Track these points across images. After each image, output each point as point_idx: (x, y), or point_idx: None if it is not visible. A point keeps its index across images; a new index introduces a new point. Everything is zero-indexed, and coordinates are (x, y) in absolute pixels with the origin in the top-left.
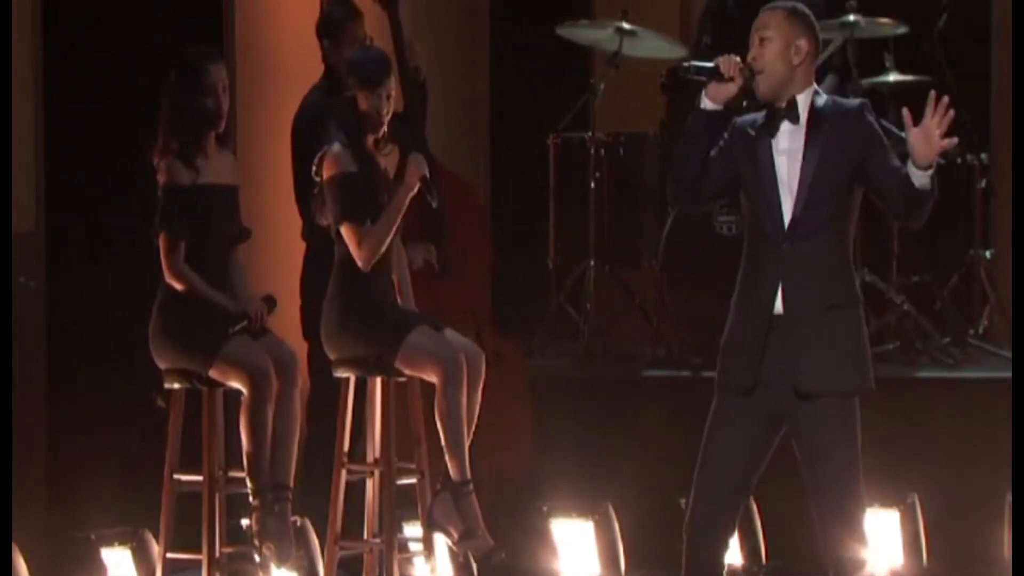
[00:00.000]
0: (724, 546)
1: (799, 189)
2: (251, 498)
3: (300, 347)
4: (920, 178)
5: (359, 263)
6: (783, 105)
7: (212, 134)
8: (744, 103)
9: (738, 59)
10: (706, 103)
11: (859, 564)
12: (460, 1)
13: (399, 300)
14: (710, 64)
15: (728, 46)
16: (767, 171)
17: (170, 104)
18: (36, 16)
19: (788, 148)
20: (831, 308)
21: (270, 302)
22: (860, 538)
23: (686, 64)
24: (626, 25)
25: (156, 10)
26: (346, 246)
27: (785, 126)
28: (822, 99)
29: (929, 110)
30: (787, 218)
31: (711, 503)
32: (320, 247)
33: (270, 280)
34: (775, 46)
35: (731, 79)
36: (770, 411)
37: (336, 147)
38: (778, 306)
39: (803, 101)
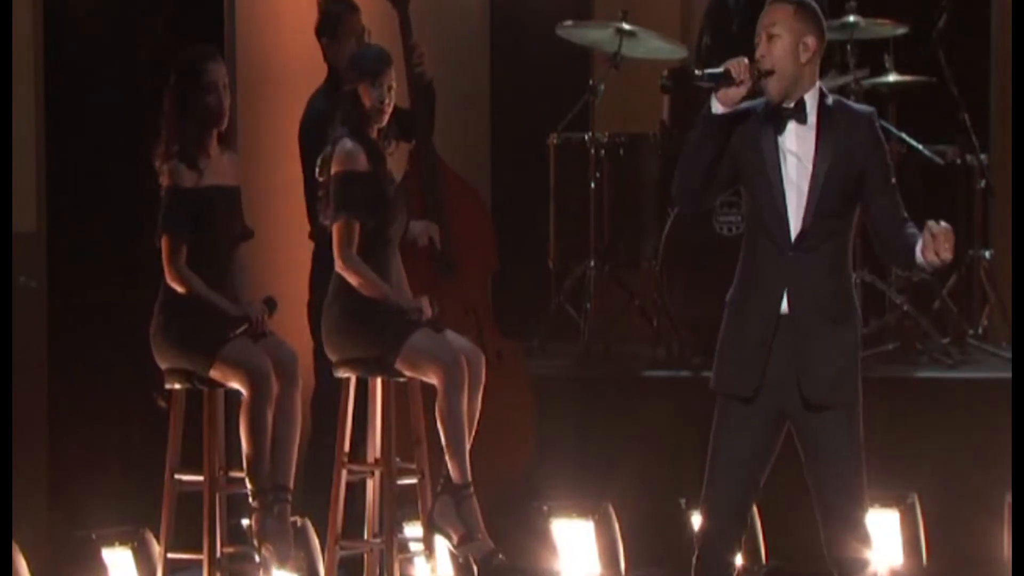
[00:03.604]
0: (737, 550)
1: (810, 192)
2: (250, 499)
3: (306, 345)
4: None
5: (336, 261)
6: (790, 105)
7: (215, 134)
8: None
9: (747, 61)
10: (717, 107)
11: (862, 564)
12: (460, 1)
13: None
14: (720, 69)
15: (727, 46)
16: (774, 171)
17: (172, 104)
18: (36, 16)
19: (797, 149)
20: (834, 319)
21: (270, 304)
22: (864, 539)
23: (698, 72)
24: (626, 26)
25: (156, 10)
26: None
27: (792, 125)
28: (830, 99)
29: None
30: (794, 225)
31: (723, 515)
32: (329, 246)
33: (273, 281)
34: (784, 43)
35: (741, 82)
36: (775, 414)
37: (348, 144)
38: (783, 312)
39: (811, 101)
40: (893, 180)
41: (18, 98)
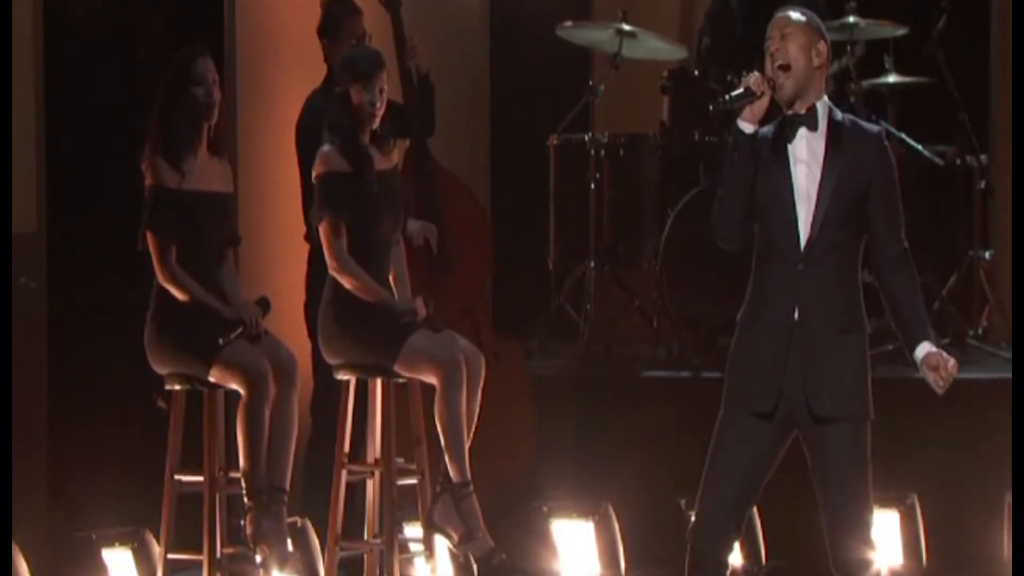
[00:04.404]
0: (730, 550)
1: (818, 198)
2: (246, 499)
3: (304, 346)
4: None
5: (329, 263)
6: (802, 111)
7: (205, 136)
8: None
9: (758, 73)
10: (745, 127)
11: (866, 564)
12: (460, 1)
13: (396, 295)
14: (741, 89)
15: (729, 48)
16: (784, 178)
17: (162, 102)
18: (36, 16)
19: (807, 157)
20: (843, 332)
21: (264, 305)
22: (868, 542)
23: (726, 98)
24: (626, 26)
25: (156, 10)
26: None
27: (803, 133)
28: (839, 114)
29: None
30: (803, 232)
31: (720, 517)
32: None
33: (269, 282)
34: (798, 41)
35: (763, 93)
36: (785, 425)
37: (326, 147)
38: (794, 325)
39: (822, 110)
40: (899, 206)
41: (18, 98)
